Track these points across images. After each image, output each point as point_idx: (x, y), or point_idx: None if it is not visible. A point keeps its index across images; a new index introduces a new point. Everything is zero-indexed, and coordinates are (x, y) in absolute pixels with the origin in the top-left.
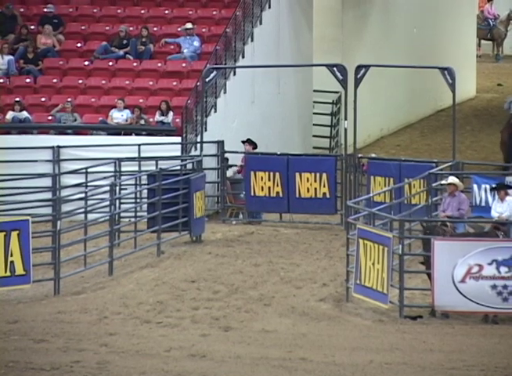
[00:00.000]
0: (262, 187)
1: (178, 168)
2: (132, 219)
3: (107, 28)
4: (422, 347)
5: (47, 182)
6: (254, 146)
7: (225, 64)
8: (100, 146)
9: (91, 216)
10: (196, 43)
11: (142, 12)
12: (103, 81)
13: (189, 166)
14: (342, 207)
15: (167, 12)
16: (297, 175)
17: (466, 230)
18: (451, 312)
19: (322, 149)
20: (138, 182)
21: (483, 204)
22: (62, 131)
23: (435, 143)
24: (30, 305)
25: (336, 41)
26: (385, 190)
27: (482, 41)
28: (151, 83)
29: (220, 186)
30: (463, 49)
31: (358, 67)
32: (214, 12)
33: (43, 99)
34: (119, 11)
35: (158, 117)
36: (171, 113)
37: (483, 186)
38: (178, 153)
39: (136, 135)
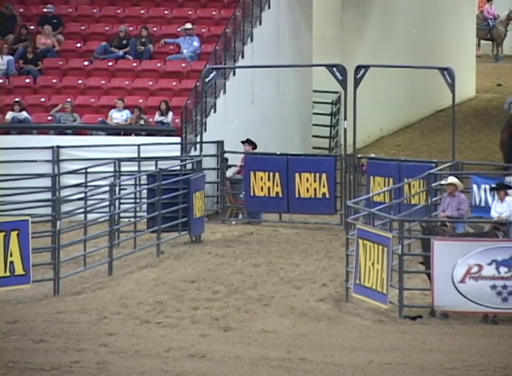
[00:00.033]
0: (262, 187)
1: (178, 168)
2: (132, 219)
3: (107, 28)
4: (421, 347)
5: (47, 182)
6: (254, 146)
7: (225, 64)
8: (100, 146)
9: (90, 216)
10: (196, 43)
11: (142, 12)
12: (103, 82)
13: (189, 166)
14: (342, 208)
15: (166, 12)
16: (297, 175)
17: (465, 230)
18: (450, 312)
19: (321, 149)
20: (137, 183)
21: (483, 204)
22: (61, 131)
23: (435, 143)
24: (30, 305)
25: (335, 41)
26: (385, 190)
27: (482, 42)
28: (151, 83)
29: (219, 187)
30: (463, 49)
31: (358, 67)
32: (214, 13)
33: (43, 100)
34: (119, 11)
35: (158, 117)
36: (170, 114)
37: (483, 186)
38: (178, 154)
39: (136, 135)
